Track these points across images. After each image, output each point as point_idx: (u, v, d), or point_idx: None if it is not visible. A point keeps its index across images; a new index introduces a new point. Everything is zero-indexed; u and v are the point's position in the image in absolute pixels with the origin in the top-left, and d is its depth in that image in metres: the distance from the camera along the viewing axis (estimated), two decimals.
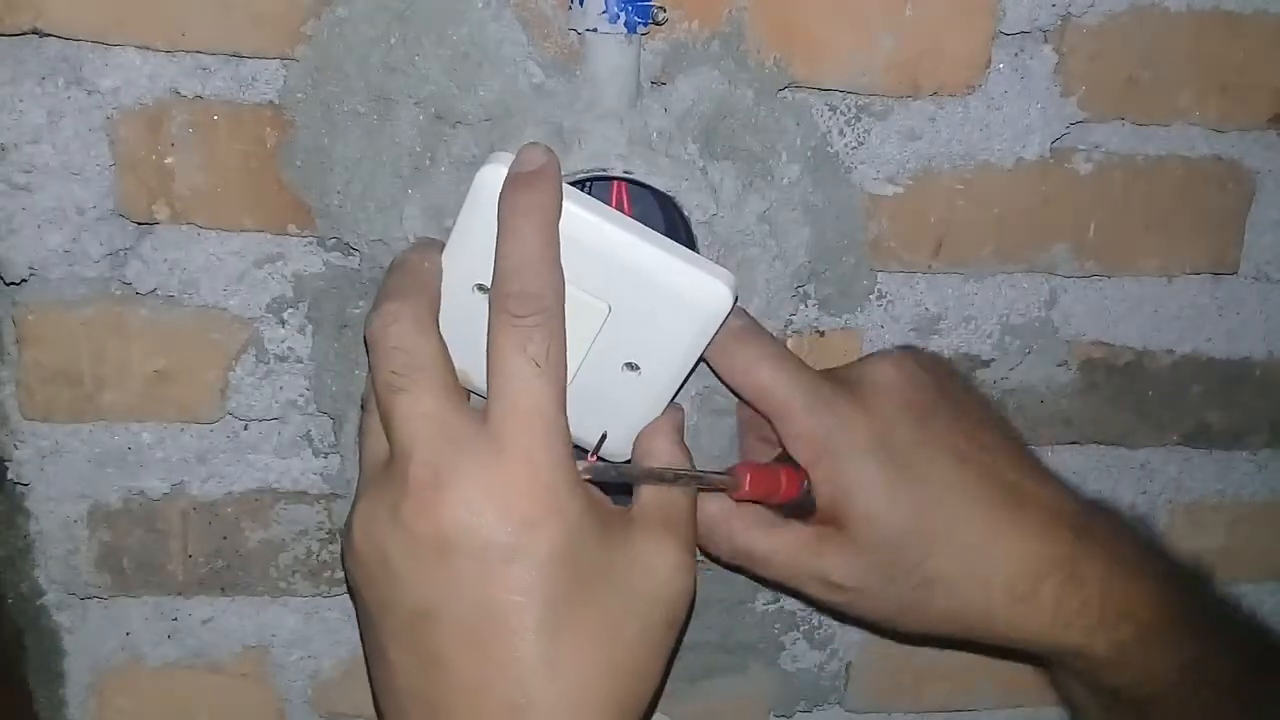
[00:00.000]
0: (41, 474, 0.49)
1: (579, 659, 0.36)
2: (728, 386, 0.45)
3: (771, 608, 0.57)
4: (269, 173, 0.45)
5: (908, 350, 0.47)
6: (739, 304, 0.42)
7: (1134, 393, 0.56)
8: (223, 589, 0.52)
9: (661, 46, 0.45)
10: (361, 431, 0.41)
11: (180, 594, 0.52)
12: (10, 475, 0.49)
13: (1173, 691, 0.45)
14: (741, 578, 0.55)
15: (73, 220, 0.45)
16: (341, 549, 0.40)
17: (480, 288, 0.41)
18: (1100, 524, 0.45)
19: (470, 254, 0.41)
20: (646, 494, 0.41)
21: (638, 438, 0.43)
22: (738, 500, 0.44)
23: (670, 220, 0.47)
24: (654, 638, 0.38)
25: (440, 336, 0.39)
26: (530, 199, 0.38)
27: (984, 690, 0.61)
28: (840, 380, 0.44)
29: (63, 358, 0.47)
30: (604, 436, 0.44)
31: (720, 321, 0.42)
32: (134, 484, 0.50)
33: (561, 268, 0.38)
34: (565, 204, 0.39)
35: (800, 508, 0.44)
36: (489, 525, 0.35)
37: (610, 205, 0.42)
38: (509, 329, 0.37)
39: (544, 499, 0.36)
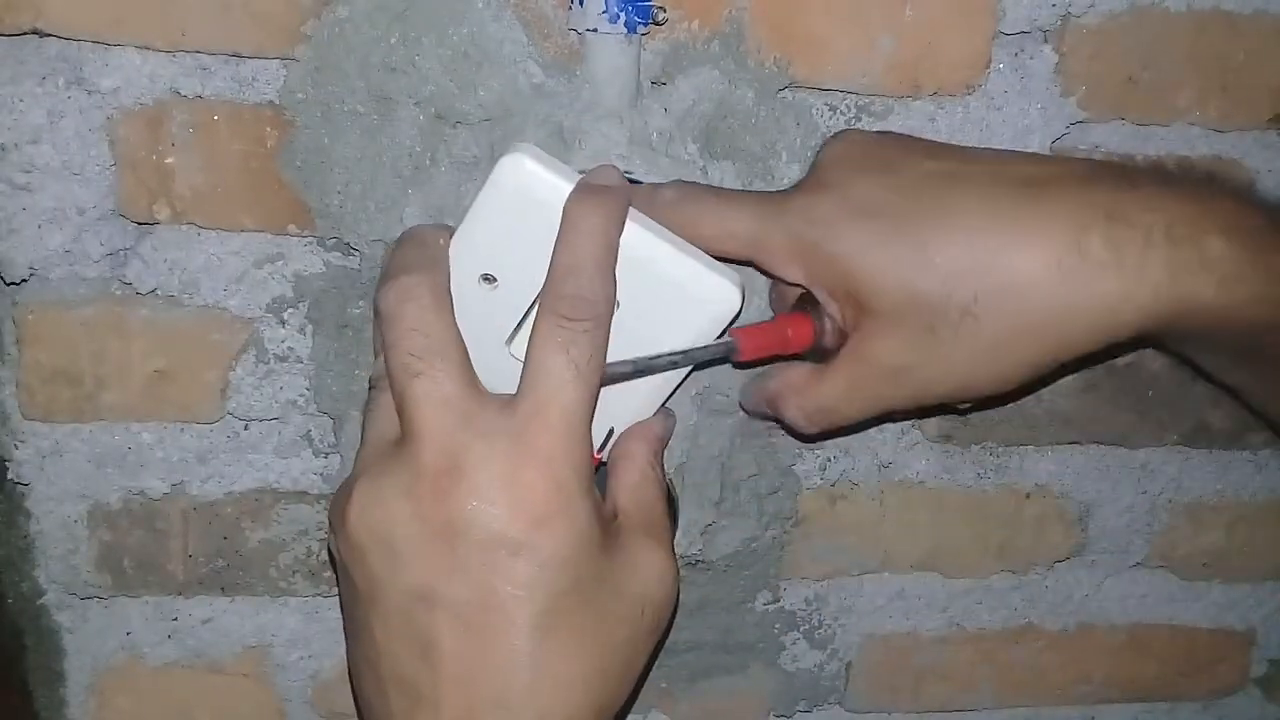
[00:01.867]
0: (41, 474, 0.49)
1: (569, 660, 0.36)
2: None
3: (771, 608, 0.57)
4: (269, 173, 0.45)
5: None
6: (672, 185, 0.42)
7: (1134, 393, 0.56)
8: (223, 589, 0.52)
9: (661, 46, 0.45)
10: (369, 407, 0.40)
11: (180, 594, 0.52)
12: (10, 475, 0.49)
13: None
14: (741, 579, 0.55)
15: (73, 220, 0.45)
16: (330, 522, 0.39)
17: (486, 278, 0.41)
18: (1147, 171, 0.42)
19: (481, 243, 0.41)
20: (624, 498, 0.41)
21: (618, 439, 0.43)
22: (747, 362, 0.43)
23: None
24: (639, 642, 0.39)
25: (454, 317, 0.39)
26: (603, 206, 0.38)
27: (984, 690, 0.61)
28: (791, 188, 0.43)
29: (63, 358, 0.47)
30: (610, 432, 0.44)
31: (727, 323, 0.42)
32: (134, 484, 0.50)
33: (615, 276, 0.39)
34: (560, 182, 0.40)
35: (823, 357, 0.43)
36: (501, 518, 0.35)
37: None
38: (557, 328, 0.37)
39: (558, 501, 0.36)
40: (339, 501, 0.38)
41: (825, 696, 0.60)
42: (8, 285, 0.46)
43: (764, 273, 0.43)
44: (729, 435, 0.51)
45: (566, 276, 0.38)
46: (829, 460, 0.54)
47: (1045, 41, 0.49)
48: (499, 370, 0.41)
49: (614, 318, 0.40)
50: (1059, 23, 0.49)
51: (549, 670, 0.36)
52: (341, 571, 0.39)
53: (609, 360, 0.40)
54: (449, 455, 0.36)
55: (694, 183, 0.43)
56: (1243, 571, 0.62)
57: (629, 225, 0.40)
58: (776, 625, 0.57)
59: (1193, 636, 0.62)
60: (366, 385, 0.48)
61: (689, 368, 0.43)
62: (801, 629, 0.58)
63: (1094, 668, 0.62)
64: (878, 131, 0.46)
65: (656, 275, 0.40)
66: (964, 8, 0.47)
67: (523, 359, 0.38)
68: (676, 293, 0.41)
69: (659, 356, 0.41)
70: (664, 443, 0.44)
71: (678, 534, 0.50)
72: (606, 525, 0.38)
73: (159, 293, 0.47)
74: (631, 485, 0.41)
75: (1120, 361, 0.56)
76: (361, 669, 0.39)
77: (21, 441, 0.48)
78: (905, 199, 0.39)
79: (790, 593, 0.57)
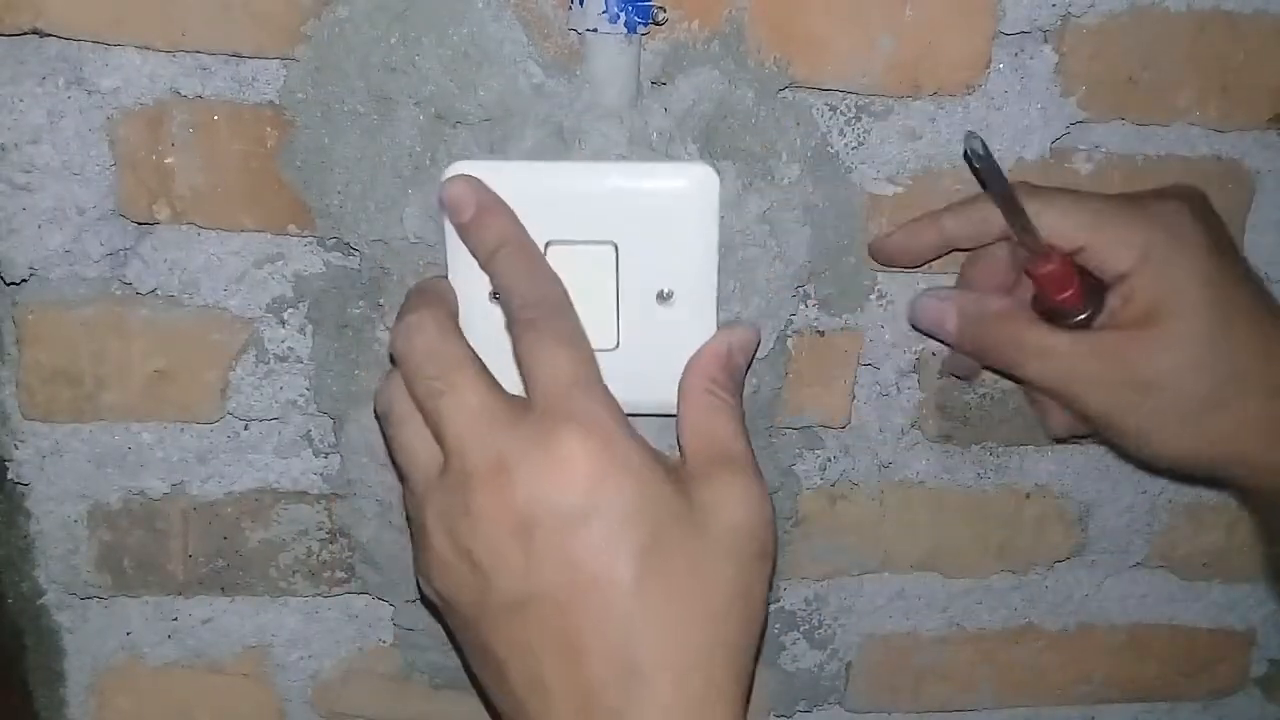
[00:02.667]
0: (41, 474, 0.49)
1: (676, 606, 0.35)
2: (1018, 237, 0.45)
3: (771, 608, 0.57)
4: (269, 173, 0.45)
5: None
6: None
7: None
8: (223, 589, 0.52)
9: (661, 46, 0.45)
10: (398, 449, 0.40)
11: (180, 594, 0.52)
12: (10, 475, 0.49)
13: None
14: None
15: (73, 220, 0.45)
16: (417, 572, 0.40)
17: (494, 296, 0.42)
18: None
19: (472, 264, 0.41)
20: (685, 434, 0.41)
21: (683, 373, 0.43)
22: (1031, 274, 0.45)
23: None
24: (747, 571, 0.38)
25: (465, 338, 0.40)
26: (490, 237, 0.41)
27: (984, 690, 0.61)
28: (1149, 194, 0.46)
29: (63, 358, 0.47)
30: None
31: (716, 203, 0.43)
32: (134, 484, 0.50)
33: (549, 267, 0.41)
34: (523, 166, 0.42)
35: (1060, 321, 0.45)
36: (558, 491, 0.35)
37: None
38: (529, 328, 0.39)
39: (604, 456, 0.36)
40: (419, 545, 0.39)
41: (825, 696, 0.60)
42: (8, 285, 0.46)
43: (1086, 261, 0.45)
44: None
45: (512, 296, 0.40)
46: (829, 460, 0.54)
47: (1045, 41, 0.49)
48: None
49: (622, 260, 0.43)
50: (1059, 23, 0.49)
51: (662, 624, 0.35)
52: (448, 607, 0.39)
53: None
54: (493, 457, 0.36)
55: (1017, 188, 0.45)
56: (1243, 571, 0.61)
57: (578, 165, 0.43)
58: (776, 625, 0.57)
59: (1193, 636, 0.62)
60: (366, 386, 0.48)
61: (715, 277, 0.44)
62: (801, 629, 0.58)
63: (1094, 668, 0.62)
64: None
65: (632, 197, 0.42)
66: (964, 8, 0.47)
67: None
68: (658, 203, 0.42)
69: (1013, 191, 0.43)
70: (724, 360, 0.42)
71: None
72: (671, 468, 0.38)
73: (159, 293, 0.47)
74: (689, 420, 0.41)
75: None
76: (495, 689, 0.39)
77: (21, 441, 0.48)
78: (1229, 268, 0.44)
79: (790, 593, 0.57)
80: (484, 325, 0.42)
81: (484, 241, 0.41)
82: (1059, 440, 0.53)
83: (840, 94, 0.48)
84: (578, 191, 0.42)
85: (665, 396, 0.46)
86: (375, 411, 0.42)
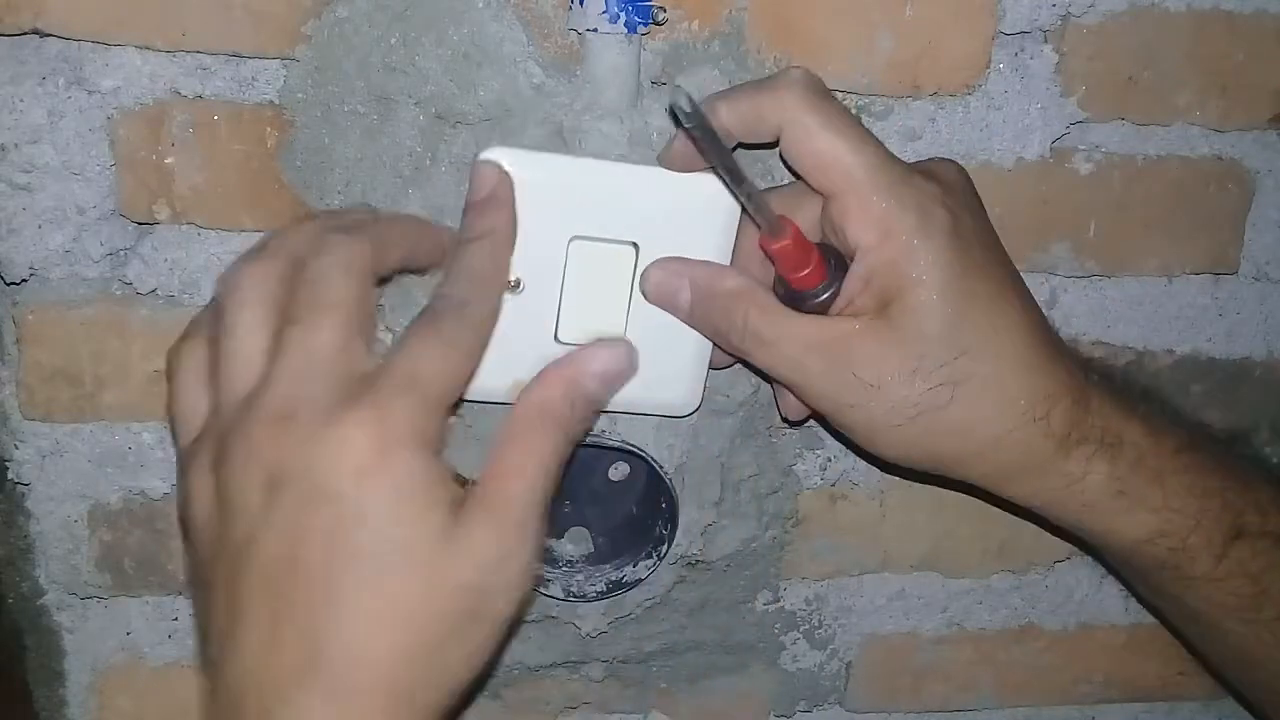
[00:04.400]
0: (42, 474, 0.49)
1: (384, 630, 0.34)
2: (784, 159, 0.41)
3: (771, 608, 0.57)
4: (269, 173, 0.45)
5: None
6: (803, 69, 0.40)
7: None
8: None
9: (661, 46, 0.45)
10: (233, 343, 0.37)
11: (180, 594, 0.52)
12: (10, 475, 0.49)
13: (1204, 526, 0.43)
14: (741, 579, 0.55)
15: (73, 220, 0.45)
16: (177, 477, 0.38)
17: (511, 283, 0.43)
18: (1097, 364, 0.46)
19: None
20: (489, 476, 0.37)
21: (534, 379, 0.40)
22: (766, 250, 0.40)
23: None
24: (468, 629, 0.35)
25: (371, 288, 0.37)
26: (483, 223, 0.40)
27: (984, 690, 0.61)
28: (909, 165, 0.41)
29: (63, 358, 0.47)
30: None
31: (738, 212, 0.43)
32: (134, 484, 0.50)
33: (503, 284, 0.41)
34: (559, 160, 0.42)
35: (799, 303, 0.42)
36: (322, 465, 0.33)
37: None
38: (434, 317, 0.37)
39: (384, 456, 0.33)
40: (187, 459, 0.37)
41: (825, 696, 0.60)
42: (8, 285, 0.46)
43: (825, 198, 0.41)
44: (729, 435, 0.51)
45: (450, 282, 0.38)
46: (829, 460, 0.54)
47: (1045, 41, 0.49)
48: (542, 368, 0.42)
49: (641, 260, 0.43)
50: (1059, 23, 0.49)
51: (360, 637, 0.33)
52: (187, 521, 0.37)
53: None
54: (290, 402, 0.34)
55: (823, 88, 0.41)
56: None
57: (607, 163, 0.42)
58: (776, 625, 0.57)
59: None
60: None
61: None
62: (801, 629, 0.58)
63: (1094, 668, 0.61)
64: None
65: (657, 197, 0.42)
66: (964, 8, 0.47)
67: (574, 345, 0.41)
68: (682, 204, 0.42)
69: (735, 167, 0.38)
70: (569, 386, 0.39)
71: (678, 534, 0.50)
72: (448, 499, 0.35)
73: (159, 293, 0.47)
74: (494, 457, 0.37)
75: (1120, 361, 0.56)
76: (199, 616, 0.37)
77: (21, 441, 0.48)
78: (979, 262, 0.41)
79: (790, 593, 0.57)
80: (504, 316, 0.42)
81: (474, 224, 0.40)
82: (792, 424, 0.51)
83: (840, 94, 0.48)
84: (606, 190, 0.42)
85: (666, 399, 0.46)
86: (219, 284, 0.38)
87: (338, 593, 0.33)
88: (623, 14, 0.42)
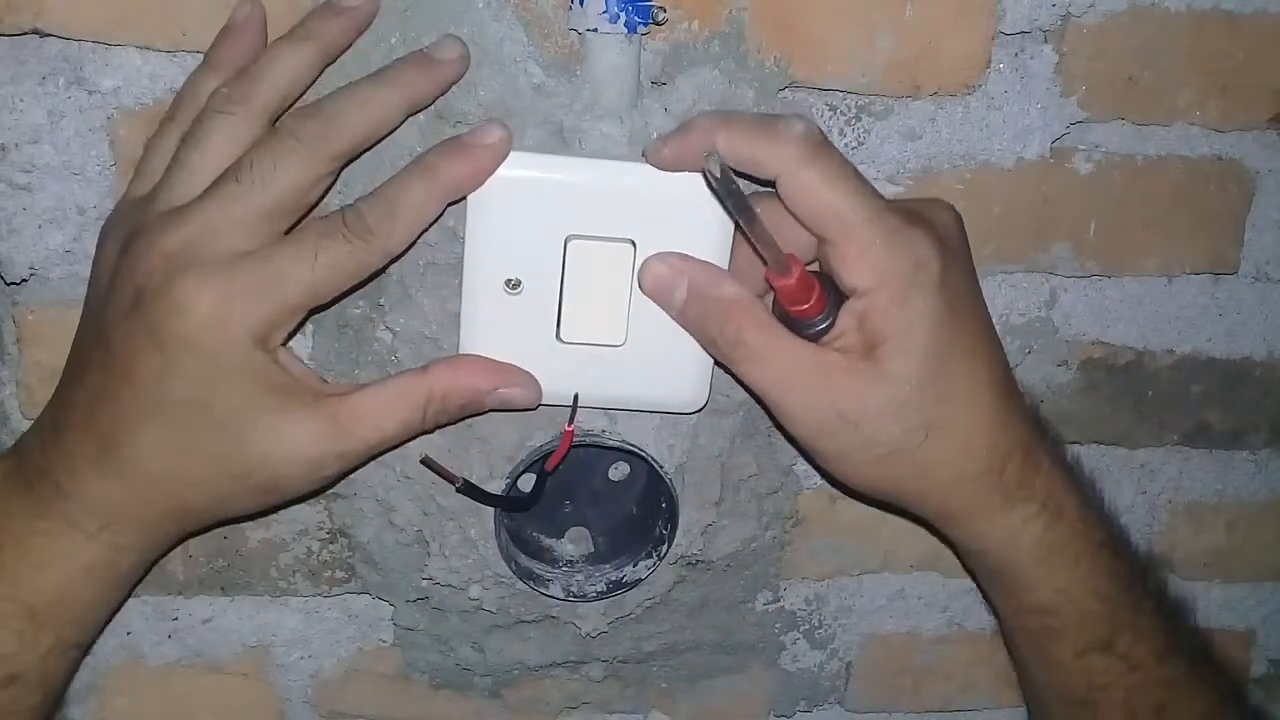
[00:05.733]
0: None
1: (151, 451, 0.39)
2: (787, 204, 0.41)
3: (771, 608, 0.57)
4: None
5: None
6: (804, 120, 0.41)
7: (1134, 393, 0.56)
8: (223, 589, 0.52)
9: (662, 46, 0.45)
10: (167, 138, 0.42)
11: (180, 594, 0.52)
12: None
13: (1085, 624, 0.46)
14: (741, 579, 0.55)
15: (73, 220, 0.45)
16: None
17: (510, 284, 0.43)
18: (1050, 427, 0.48)
19: (490, 251, 0.42)
20: (346, 405, 0.41)
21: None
22: (770, 283, 0.41)
23: None
24: (244, 495, 0.41)
25: (321, 178, 0.40)
26: (445, 166, 0.41)
27: (984, 690, 0.61)
28: (905, 211, 0.42)
29: (63, 358, 0.47)
30: (576, 398, 0.45)
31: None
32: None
33: (422, 222, 0.41)
34: (553, 160, 0.42)
35: (793, 327, 0.42)
36: (174, 312, 0.38)
37: None
38: (335, 226, 0.40)
39: (221, 330, 0.38)
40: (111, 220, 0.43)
41: (825, 696, 0.60)
42: (8, 285, 0.46)
43: (823, 241, 0.41)
44: (729, 435, 0.51)
45: (368, 196, 0.41)
46: None
47: (1045, 41, 0.49)
48: (558, 366, 0.43)
49: (639, 258, 0.43)
50: (1059, 23, 0.49)
51: (134, 450, 0.39)
52: (92, 282, 0.42)
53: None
54: (189, 244, 0.38)
55: (822, 136, 0.41)
56: (1243, 571, 0.62)
57: (601, 162, 0.43)
58: (777, 625, 0.57)
59: None
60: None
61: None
62: (801, 629, 0.58)
63: None
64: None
65: (652, 194, 0.42)
66: (964, 8, 0.47)
67: (576, 344, 0.43)
68: (677, 200, 0.42)
69: (744, 200, 0.39)
70: (426, 401, 0.42)
71: (678, 534, 0.50)
72: (277, 387, 0.40)
73: None
74: (361, 395, 0.42)
75: (1120, 361, 0.56)
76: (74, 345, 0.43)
77: None
78: (964, 311, 0.43)
79: (790, 593, 0.57)
80: (503, 316, 0.43)
81: (434, 160, 0.41)
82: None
83: (840, 94, 0.48)
84: (601, 189, 0.42)
85: (667, 394, 0.46)
86: (231, 73, 0.41)
87: (145, 421, 0.39)
88: (623, 14, 0.42)
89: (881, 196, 0.42)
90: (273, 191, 0.38)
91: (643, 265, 0.44)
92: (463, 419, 0.45)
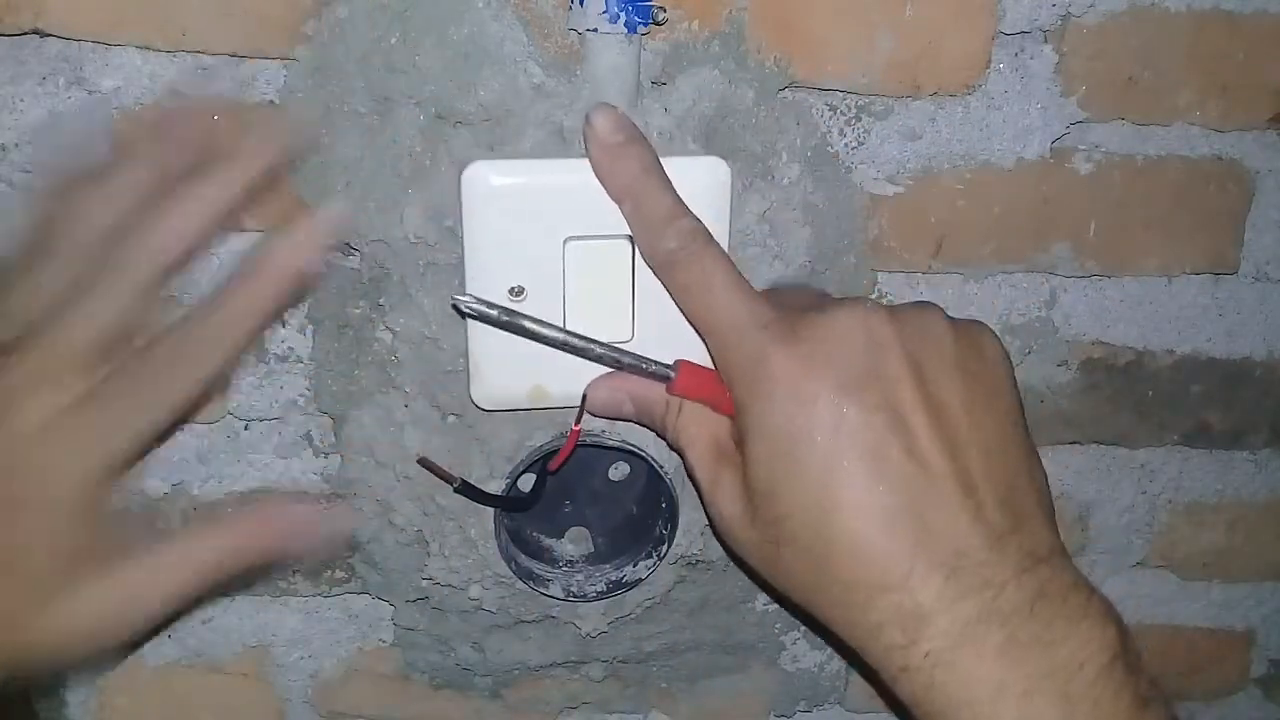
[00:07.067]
0: None
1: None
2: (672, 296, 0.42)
3: (771, 608, 0.57)
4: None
5: (911, 314, 0.40)
6: (688, 208, 0.42)
7: (1134, 393, 0.56)
8: (223, 589, 0.52)
9: (661, 46, 0.45)
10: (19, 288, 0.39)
11: None
12: None
13: None
14: (741, 579, 0.55)
15: None
16: None
17: (513, 291, 0.43)
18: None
19: (493, 259, 0.42)
20: (135, 560, 0.40)
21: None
22: (676, 394, 0.43)
23: None
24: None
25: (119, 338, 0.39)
26: (233, 302, 0.40)
27: None
28: (795, 317, 0.40)
29: None
30: (584, 397, 0.45)
31: (728, 195, 0.44)
32: (134, 484, 0.49)
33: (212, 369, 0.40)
34: (544, 164, 0.43)
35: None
36: None
37: None
38: (119, 386, 0.39)
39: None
40: None
41: (825, 696, 0.60)
42: None
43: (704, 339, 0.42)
44: None
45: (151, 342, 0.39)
46: None
47: (1045, 41, 0.49)
48: (565, 367, 0.43)
49: (638, 251, 0.43)
50: (1059, 23, 0.49)
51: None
52: None
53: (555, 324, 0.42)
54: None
55: (705, 233, 0.42)
56: (1243, 571, 0.62)
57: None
58: (777, 625, 0.57)
59: (1193, 636, 0.62)
60: (366, 386, 0.48)
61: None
62: (801, 629, 0.58)
63: None
64: (942, 341, 0.40)
65: None
66: (964, 8, 0.47)
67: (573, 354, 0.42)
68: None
69: (594, 342, 0.42)
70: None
71: (678, 534, 0.50)
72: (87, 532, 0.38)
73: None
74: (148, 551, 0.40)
75: (1120, 361, 0.56)
76: None
77: None
78: (828, 441, 0.37)
79: None
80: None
81: (224, 299, 0.40)
82: None
83: (840, 94, 0.48)
84: (595, 188, 0.42)
85: None
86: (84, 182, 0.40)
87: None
88: (623, 14, 0.42)
89: (770, 301, 0.40)
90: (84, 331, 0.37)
91: (588, 394, 0.45)
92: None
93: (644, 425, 0.46)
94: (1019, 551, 0.37)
